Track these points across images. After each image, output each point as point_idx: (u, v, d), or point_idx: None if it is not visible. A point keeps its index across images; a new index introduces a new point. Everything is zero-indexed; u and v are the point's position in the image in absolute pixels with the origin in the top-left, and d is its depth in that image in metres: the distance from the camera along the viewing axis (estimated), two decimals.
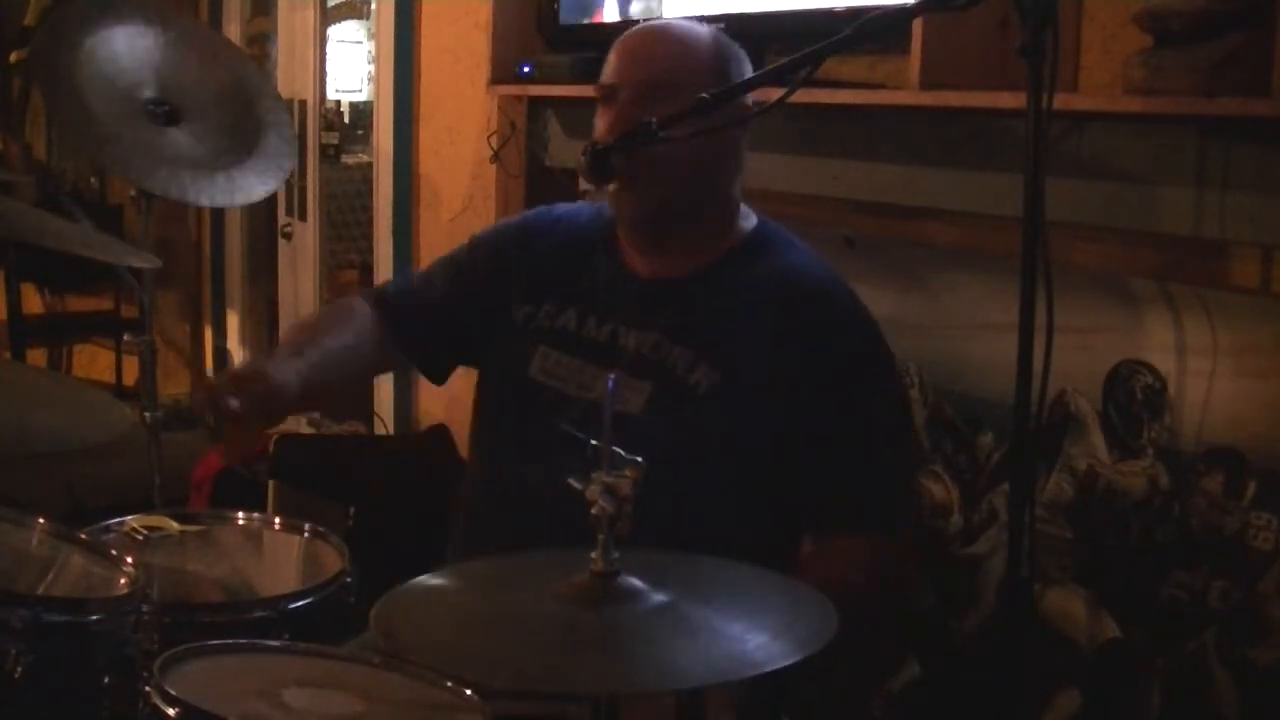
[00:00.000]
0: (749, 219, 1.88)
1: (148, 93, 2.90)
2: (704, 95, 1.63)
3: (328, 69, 4.90)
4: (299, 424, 4.48)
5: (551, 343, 1.85)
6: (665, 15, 2.62)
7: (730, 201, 1.86)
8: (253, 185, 3.00)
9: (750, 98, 1.76)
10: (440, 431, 3.58)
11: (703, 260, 1.82)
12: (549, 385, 1.83)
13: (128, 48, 2.89)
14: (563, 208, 2.02)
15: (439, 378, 2.07)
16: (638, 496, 1.28)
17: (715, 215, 1.84)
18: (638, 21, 2.50)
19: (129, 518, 2.08)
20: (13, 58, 6.24)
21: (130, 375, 5.28)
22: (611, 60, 1.83)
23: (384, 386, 4.01)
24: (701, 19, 1.93)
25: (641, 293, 1.83)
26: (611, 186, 1.76)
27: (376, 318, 2.01)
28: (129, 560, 1.75)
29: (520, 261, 1.95)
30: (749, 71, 1.82)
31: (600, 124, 1.80)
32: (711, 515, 1.69)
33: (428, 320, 2.01)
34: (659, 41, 1.84)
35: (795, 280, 1.80)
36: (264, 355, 1.84)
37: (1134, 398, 1.94)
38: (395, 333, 2.01)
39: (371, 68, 4.78)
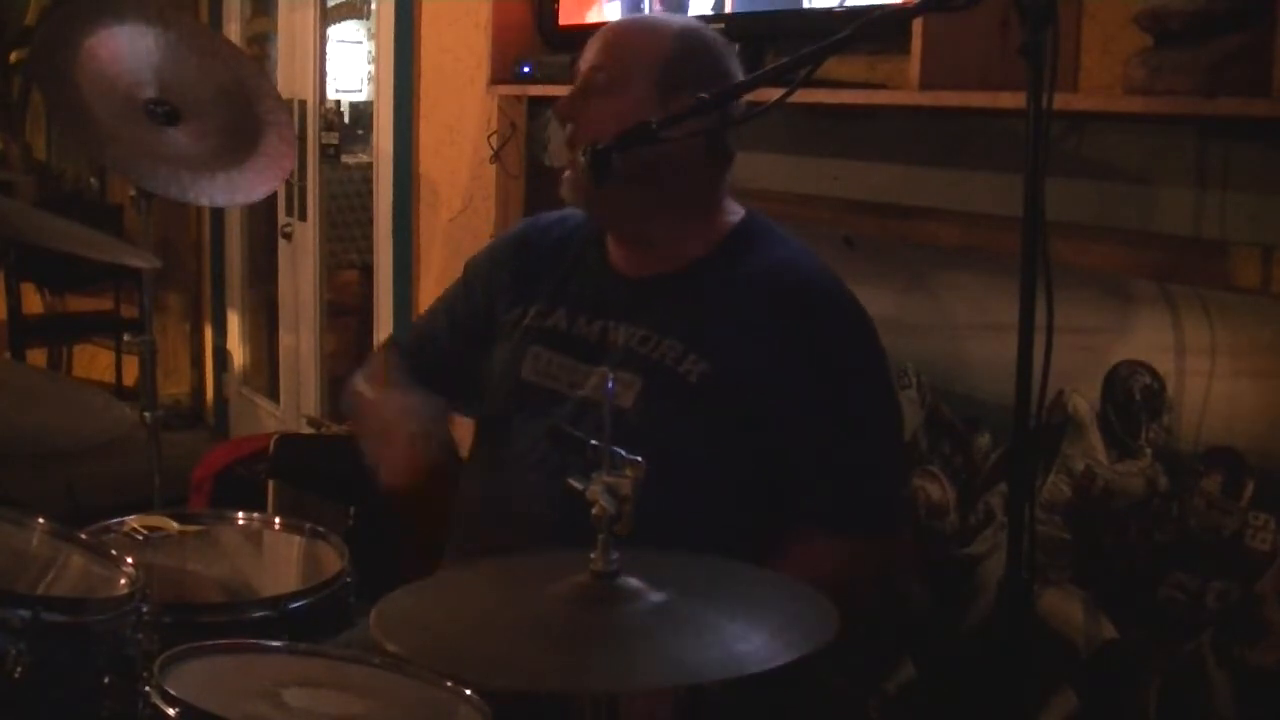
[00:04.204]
0: (735, 213, 1.87)
1: (148, 93, 2.90)
2: (703, 95, 1.64)
3: (328, 69, 4.90)
4: (299, 424, 4.49)
5: (543, 343, 1.85)
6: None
7: (717, 196, 1.86)
8: (253, 185, 3.00)
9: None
10: None
11: (690, 255, 1.82)
12: (541, 385, 1.83)
13: (128, 48, 2.90)
14: (551, 215, 2.03)
15: (471, 412, 2.04)
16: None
17: (701, 211, 1.84)
18: None
19: (129, 518, 2.08)
20: (13, 58, 6.25)
21: (130, 375, 5.29)
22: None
23: None
24: (703, 18, 1.93)
25: (630, 289, 1.83)
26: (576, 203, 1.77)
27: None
28: (129, 560, 1.75)
29: (511, 270, 1.95)
30: (726, 65, 1.81)
31: None
32: (704, 506, 1.70)
33: (440, 362, 2.01)
34: (616, 31, 1.85)
35: (782, 273, 1.79)
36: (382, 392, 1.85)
37: (1133, 398, 1.94)
38: (419, 381, 2.01)
39: (371, 68, 4.78)
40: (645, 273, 1.84)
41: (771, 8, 2.44)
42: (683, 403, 1.73)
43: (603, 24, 1.90)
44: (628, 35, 1.83)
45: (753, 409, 1.72)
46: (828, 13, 2.27)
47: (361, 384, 1.95)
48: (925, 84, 1.95)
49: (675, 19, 1.88)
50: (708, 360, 1.73)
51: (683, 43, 1.79)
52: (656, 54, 1.77)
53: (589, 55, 1.80)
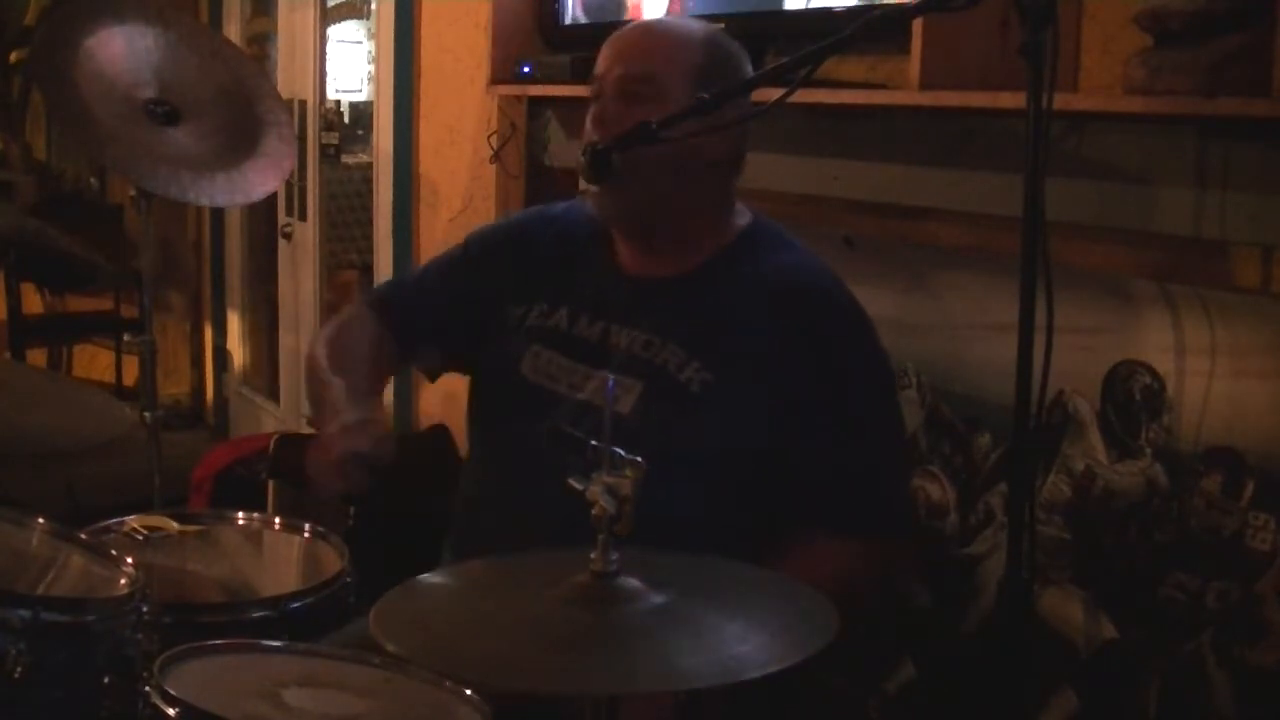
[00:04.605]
0: (743, 216, 1.87)
1: (148, 93, 2.90)
2: (704, 95, 1.63)
3: (328, 69, 4.90)
4: (299, 424, 4.49)
5: (544, 342, 1.85)
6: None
7: (724, 200, 1.85)
8: (253, 185, 3.00)
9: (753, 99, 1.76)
10: (440, 431, 3.57)
11: (695, 258, 1.82)
12: (540, 385, 1.83)
13: (128, 48, 2.90)
14: (560, 206, 2.02)
15: (432, 374, 2.09)
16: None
17: (708, 214, 1.84)
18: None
19: (129, 518, 2.08)
20: (13, 58, 6.25)
21: (130, 375, 5.29)
22: (601, 54, 1.82)
23: None
24: (704, 18, 1.93)
25: (633, 291, 1.83)
26: (594, 187, 1.76)
27: (377, 321, 2.01)
28: (129, 560, 1.75)
29: (515, 261, 1.95)
30: (746, 71, 1.81)
31: (588, 121, 1.80)
32: (702, 514, 1.69)
33: (422, 318, 2.00)
34: (645, 37, 1.84)
35: (788, 279, 1.79)
36: (337, 399, 1.80)
37: (1133, 398, 1.94)
38: (393, 332, 2.00)
39: (371, 68, 4.78)
40: (650, 274, 1.83)
41: (749, 9, 2.44)
42: (683, 409, 1.72)
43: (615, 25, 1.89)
44: (657, 41, 1.81)
45: (754, 414, 1.72)
46: (828, 12, 2.27)
47: (322, 352, 1.91)
48: (925, 84, 1.95)
49: (694, 24, 1.88)
50: (710, 369, 1.73)
51: (712, 48, 1.80)
52: (691, 60, 1.77)
53: (616, 64, 1.78)
